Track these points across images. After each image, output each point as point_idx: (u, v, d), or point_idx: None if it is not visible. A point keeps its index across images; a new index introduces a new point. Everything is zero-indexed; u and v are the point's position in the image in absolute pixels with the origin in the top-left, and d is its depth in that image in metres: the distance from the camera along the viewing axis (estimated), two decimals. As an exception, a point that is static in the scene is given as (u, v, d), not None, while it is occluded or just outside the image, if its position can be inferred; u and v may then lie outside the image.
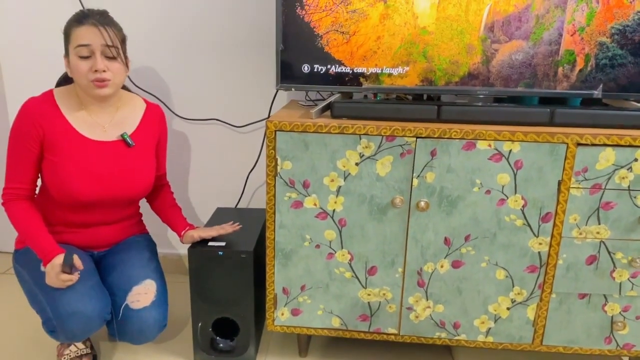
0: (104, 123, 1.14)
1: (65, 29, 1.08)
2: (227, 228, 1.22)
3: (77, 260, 1.05)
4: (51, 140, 1.09)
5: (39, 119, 1.08)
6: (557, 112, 1.04)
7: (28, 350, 1.29)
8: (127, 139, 1.15)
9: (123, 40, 1.11)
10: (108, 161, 1.13)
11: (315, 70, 1.14)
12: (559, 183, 1.04)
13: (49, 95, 1.12)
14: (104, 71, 1.05)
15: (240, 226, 1.23)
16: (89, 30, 1.04)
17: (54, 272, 1.03)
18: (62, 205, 1.13)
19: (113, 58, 1.07)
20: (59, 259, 1.04)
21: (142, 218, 1.33)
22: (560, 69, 1.11)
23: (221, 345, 1.25)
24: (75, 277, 1.04)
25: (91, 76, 1.05)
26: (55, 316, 1.05)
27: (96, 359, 1.25)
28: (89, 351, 1.24)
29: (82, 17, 1.06)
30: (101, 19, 1.06)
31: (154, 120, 1.22)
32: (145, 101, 1.23)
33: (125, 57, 1.11)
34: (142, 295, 1.11)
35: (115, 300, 1.12)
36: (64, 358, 1.22)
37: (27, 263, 1.14)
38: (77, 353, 1.22)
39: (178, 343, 1.34)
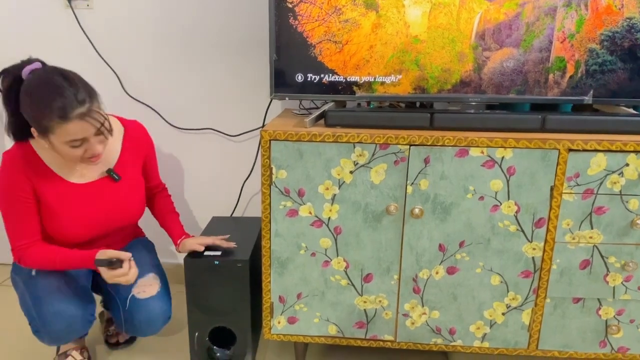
0: (87, 165, 1.10)
1: (39, 118, 0.96)
2: (223, 242, 1.21)
3: (112, 253, 1.06)
4: (39, 190, 1.06)
5: (24, 170, 1.04)
6: (548, 118, 1.05)
7: (24, 362, 1.29)
8: (114, 175, 1.13)
9: (99, 101, 1.01)
10: (98, 201, 1.12)
11: (309, 79, 1.15)
12: (552, 189, 1.05)
13: (26, 146, 1.07)
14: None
15: (235, 246, 1.22)
16: (79, 125, 0.96)
17: (102, 270, 1.06)
18: (63, 243, 1.13)
19: (102, 134, 1.01)
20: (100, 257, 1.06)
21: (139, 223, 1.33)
22: (551, 76, 1.12)
23: (218, 354, 1.25)
24: (123, 270, 1.05)
25: (86, 155, 1.02)
26: (38, 315, 1.06)
27: (93, 370, 1.25)
28: (86, 362, 1.24)
29: (65, 110, 0.94)
30: (84, 103, 0.96)
31: (136, 141, 1.19)
32: (122, 122, 1.18)
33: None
34: (147, 286, 1.15)
35: (121, 294, 1.15)
36: (61, 369, 1.22)
37: (22, 270, 1.14)
38: (74, 364, 1.22)
39: (175, 353, 1.33)
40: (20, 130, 1.04)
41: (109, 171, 1.13)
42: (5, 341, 1.37)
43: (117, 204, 1.15)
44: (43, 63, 1.03)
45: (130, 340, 1.38)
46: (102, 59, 1.51)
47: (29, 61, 1.02)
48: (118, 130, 1.17)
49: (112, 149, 1.15)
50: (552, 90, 1.13)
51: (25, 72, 1.00)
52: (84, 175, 1.12)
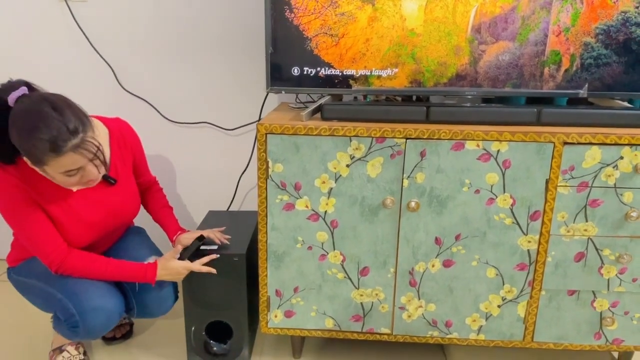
0: (84, 186, 1.07)
1: (32, 154, 0.93)
2: (218, 235, 1.22)
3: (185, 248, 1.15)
4: (40, 199, 1.04)
5: (19, 182, 1.01)
6: (543, 111, 1.06)
7: (20, 357, 1.28)
8: (109, 179, 1.12)
9: (92, 125, 0.98)
10: (98, 206, 1.12)
11: (305, 72, 1.15)
12: (547, 182, 1.05)
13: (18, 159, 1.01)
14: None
15: (228, 242, 1.22)
16: (73, 158, 0.94)
17: (180, 267, 1.11)
18: None
19: (96, 157, 0.98)
20: (165, 265, 1.11)
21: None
22: (546, 69, 1.12)
23: (215, 348, 1.25)
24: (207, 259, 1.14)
25: (82, 181, 1.00)
26: (78, 311, 1.06)
27: (89, 365, 1.25)
28: (82, 357, 1.23)
29: (56, 143, 0.91)
30: (78, 137, 0.93)
31: (123, 141, 1.17)
32: (105, 122, 1.16)
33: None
34: None
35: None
36: (57, 365, 1.21)
37: (31, 272, 1.13)
38: (70, 359, 1.21)
39: (172, 347, 1.33)
40: (8, 156, 0.99)
41: (104, 177, 1.12)
42: (0, 340, 1.37)
43: (115, 206, 1.15)
44: (28, 86, 0.98)
45: (127, 335, 1.37)
46: (97, 52, 1.50)
47: (13, 85, 0.97)
48: (103, 132, 1.14)
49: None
50: (547, 84, 1.13)
51: (11, 99, 0.95)
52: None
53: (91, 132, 0.97)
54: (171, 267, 1.11)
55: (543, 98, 1.23)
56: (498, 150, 1.04)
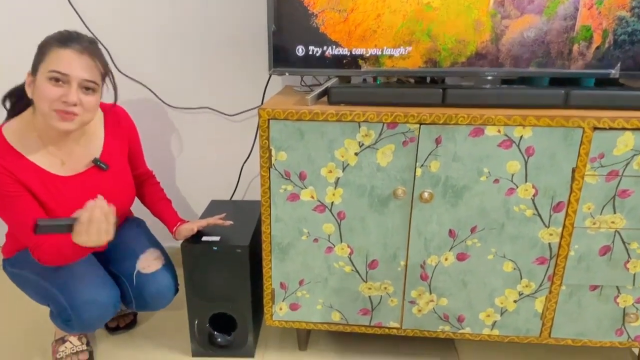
0: (70, 153, 1.04)
1: (42, 45, 0.96)
2: (217, 221, 1.18)
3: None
4: (24, 181, 0.98)
5: (3, 164, 0.96)
6: (572, 93, 0.97)
7: (23, 347, 1.27)
8: (101, 164, 1.07)
9: (106, 74, 1.01)
10: (89, 194, 1.05)
11: (311, 52, 1.07)
12: (573, 170, 0.97)
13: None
14: (75, 105, 0.94)
15: (227, 224, 1.18)
16: (72, 57, 0.93)
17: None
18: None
19: (90, 92, 0.97)
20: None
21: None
22: (575, 47, 1.02)
23: (219, 340, 1.22)
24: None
25: (57, 105, 0.93)
26: (71, 305, 1.03)
27: (92, 355, 1.23)
28: (85, 348, 1.22)
29: (67, 39, 0.95)
30: (89, 47, 0.96)
31: (118, 125, 1.12)
32: (101, 106, 1.11)
33: (114, 86, 1.03)
34: (151, 261, 1.14)
35: (125, 272, 1.13)
36: (59, 355, 1.19)
37: (26, 264, 1.09)
38: (73, 350, 1.20)
39: (176, 337, 1.31)
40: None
41: (95, 161, 1.07)
42: (2, 328, 1.35)
43: (107, 194, 1.09)
44: None
45: (131, 325, 1.35)
46: (92, 33, 1.43)
47: None
48: (98, 115, 1.10)
49: (95, 135, 1.09)
50: (576, 63, 1.03)
51: None
52: (67, 165, 1.05)
53: (100, 63, 0.98)
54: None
55: (567, 79, 1.13)
56: (521, 136, 0.96)
